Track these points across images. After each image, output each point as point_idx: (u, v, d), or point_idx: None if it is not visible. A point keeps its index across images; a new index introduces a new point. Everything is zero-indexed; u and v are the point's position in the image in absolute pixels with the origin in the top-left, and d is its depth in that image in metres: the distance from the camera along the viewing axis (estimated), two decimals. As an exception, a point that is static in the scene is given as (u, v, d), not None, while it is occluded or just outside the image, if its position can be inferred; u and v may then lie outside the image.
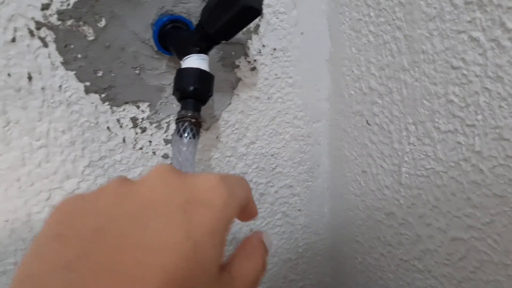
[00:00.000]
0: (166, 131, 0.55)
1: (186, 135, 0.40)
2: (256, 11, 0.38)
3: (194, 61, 0.41)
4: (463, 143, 0.43)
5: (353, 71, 0.55)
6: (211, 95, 0.42)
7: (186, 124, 0.40)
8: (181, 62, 0.43)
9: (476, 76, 0.39)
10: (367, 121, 0.56)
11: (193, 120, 0.40)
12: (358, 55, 0.53)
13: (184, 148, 0.40)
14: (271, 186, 0.68)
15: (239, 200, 0.22)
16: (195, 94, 0.41)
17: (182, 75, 0.41)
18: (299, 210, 0.73)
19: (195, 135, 0.41)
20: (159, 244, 0.17)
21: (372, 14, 0.49)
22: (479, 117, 0.40)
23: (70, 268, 0.16)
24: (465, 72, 0.40)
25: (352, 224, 0.70)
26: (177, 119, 0.41)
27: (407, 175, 0.53)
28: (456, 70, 0.41)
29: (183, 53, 0.42)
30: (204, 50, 0.42)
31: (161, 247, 0.17)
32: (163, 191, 0.20)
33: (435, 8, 0.41)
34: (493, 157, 0.41)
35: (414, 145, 0.50)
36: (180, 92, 0.41)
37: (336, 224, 0.76)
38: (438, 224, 0.51)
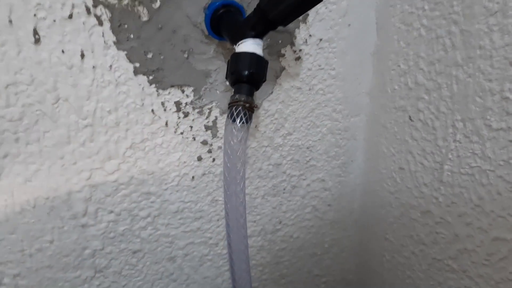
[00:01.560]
0: (207, 117, 0.55)
1: (239, 119, 0.40)
2: (318, -3, 0.38)
3: (250, 45, 0.41)
4: (516, 141, 0.43)
5: (399, 66, 0.55)
6: (264, 81, 0.42)
7: (240, 108, 0.40)
8: (234, 46, 0.43)
9: (538, 73, 0.38)
10: (409, 116, 0.55)
11: (247, 104, 0.40)
12: (407, 49, 0.53)
13: (236, 133, 0.40)
14: (304, 179, 0.68)
15: None
16: (249, 78, 0.40)
17: (238, 59, 0.41)
18: (329, 205, 0.73)
19: (248, 120, 0.41)
20: None
21: (426, 7, 0.48)
22: (537, 115, 0.40)
23: None
24: (525, 68, 0.39)
25: (383, 221, 0.69)
26: (230, 103, 0.41)
27: (449, 173, 0.52)
28: (516, 66, 0.40)
29: (238, 38, 0.42)
30: (260, 35, 0.41)
31: None
32: None
33: (497, 3, 0.40)
34: (549, 156, 0.40)
35: (460, 143, 0.49)
36: (235, 76, 0.41)
37: (365, 221, 0.75)
38: (479, 223, 0.51)
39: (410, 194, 0.60)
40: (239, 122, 0.40)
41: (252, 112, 0.41)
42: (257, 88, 0.42)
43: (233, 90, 0.42)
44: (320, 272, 0.82)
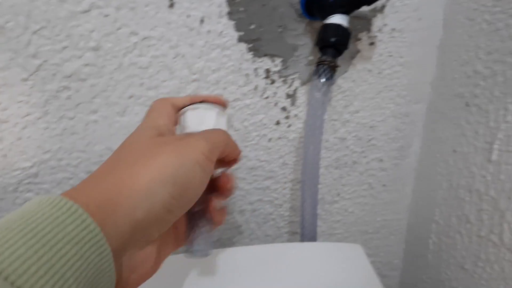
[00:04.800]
0: (289, 86, 0.65)
1: (324, 76, 0.50)
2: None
3: (338, 19, 0.51)
4: (559, 118, 0.50)
5: (460, 56, 0.63)
6: (346, 49, 0.52)
7: (325, 67, 0.50)
8: (324, 21, 0.53)
9: None
10: (466, 102, 0.63)
11: (332, 64, 0.50)
12: (468, 41, 0.61)
13: (321, 86, 0.50)
14: (364, 157, 0.76)
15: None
16: (335, 44, 0.50)
17: (327, 28, 0.51)
18: (384, 185, 0.81)
19: (330, 77, 0.51)
20: None
21: (489, 4, 0.56)
22: None
23: None
24: None
25: (432, 204, 0.76)
26: (317, 63, 0.51)
27: (497, 152, 0.59)
28: None
29: (328, 13, 0.52)
30: (347, 12, 0.52)
31: None
32: None
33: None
34: None
35: (510, 123, 0.56)
36: (323, 41, 0.51)
37: (416, 205, 0.82)
38: (521, 197, 0.57)
39: (460, 175, 0.67)
40: (324, 78, 0.50)
41: (335, 71, 0.51)
42: (339, 53, 0.52)
43: (320, 54, 0.52)
44: (369, 251, 0.89)
